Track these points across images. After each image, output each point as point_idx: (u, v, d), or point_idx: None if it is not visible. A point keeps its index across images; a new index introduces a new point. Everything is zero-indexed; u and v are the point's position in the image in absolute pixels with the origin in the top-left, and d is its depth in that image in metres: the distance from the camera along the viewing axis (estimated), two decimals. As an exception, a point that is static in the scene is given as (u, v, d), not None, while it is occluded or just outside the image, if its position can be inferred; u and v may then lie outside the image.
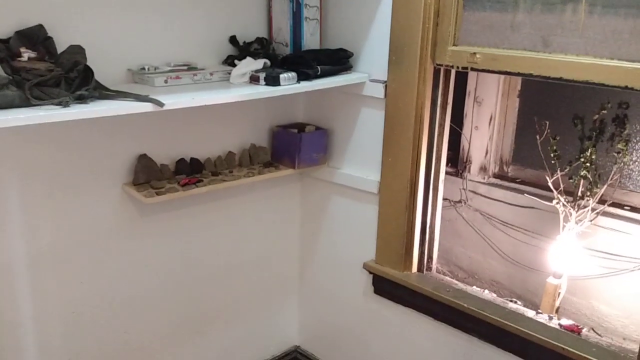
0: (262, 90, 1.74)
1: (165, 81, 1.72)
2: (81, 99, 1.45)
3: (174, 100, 1.56)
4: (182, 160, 1.94)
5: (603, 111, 2.07)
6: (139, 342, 2.00)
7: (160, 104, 1.52)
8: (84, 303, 1.84)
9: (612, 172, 2.15)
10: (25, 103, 1.37)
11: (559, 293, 2.26)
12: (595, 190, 2.15)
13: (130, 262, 1.91)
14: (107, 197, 1.82)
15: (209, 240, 2.11)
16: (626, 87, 1.49)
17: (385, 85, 1.93)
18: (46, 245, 1.72)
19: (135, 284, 1.94)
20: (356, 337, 2.26)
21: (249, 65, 1.82)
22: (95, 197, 1.79)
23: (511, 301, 1.88)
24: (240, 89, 1.74)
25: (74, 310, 1.82)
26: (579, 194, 2.19)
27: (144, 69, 1.75)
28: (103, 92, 1.51)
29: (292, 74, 1.79)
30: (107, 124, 1.74)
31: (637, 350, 1.60)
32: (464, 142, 2.91)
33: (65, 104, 1.41)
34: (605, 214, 2.31)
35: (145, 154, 1.85)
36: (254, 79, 1.79)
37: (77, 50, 1.51)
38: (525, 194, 2.56)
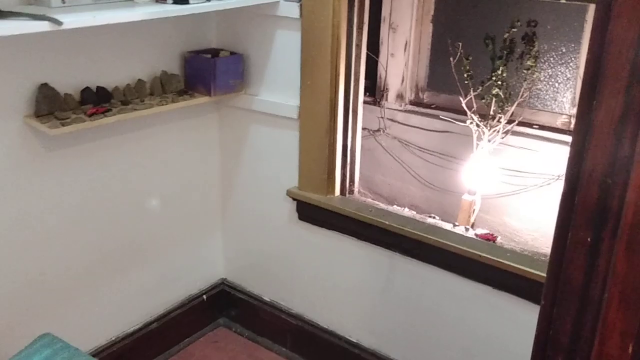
0: (170, 9, 1.64)
1: (63, 1, 1.58)
2: (-33, 18, 1.32)
3: (73, 19, 1.44)
4: (87, 89, 1.82)
5: (513, 29, 2.12)
6: (54, 283, 1.91)
7: (58, 23, 1.41)
8: (-9, 245, 1.73)
9: (522, 90, 2.22)
10: None
11: (474, 209, 2.36)
12: (506, 109, 2.23)
13: (40, 200, 1.80)
14: (8, 130, 1.68)
15: (124, 174, 2.01)
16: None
17: (301, 5, 1.87)
18: (-59, 184, 1.58)
19: (46, 222, 1.83)
20: (283, 265, 2.27)
21: (155, -17, 1.71)
22: (-6, 130, 1.66)
23: (430, 217, 1.94)
24: (146, 8, 1.63)
25: (-20, 253, 1.71)
26: (491, 112, 2.26)
27: (37, -12, 1.60)
28: (-7, 12, 1.38)
29: (203, -8, 1.70)
30: (2, 50, 1.60)
31: (548, 254, 1.70)
32: (381, 70, 2.92)
33: (-51, 23, 1.28)
34: (516, 133, 2.40)
35: (46, 83, 1.72)
36: (161, -2, 1.69)
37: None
38: (440, 117, 2.62)
